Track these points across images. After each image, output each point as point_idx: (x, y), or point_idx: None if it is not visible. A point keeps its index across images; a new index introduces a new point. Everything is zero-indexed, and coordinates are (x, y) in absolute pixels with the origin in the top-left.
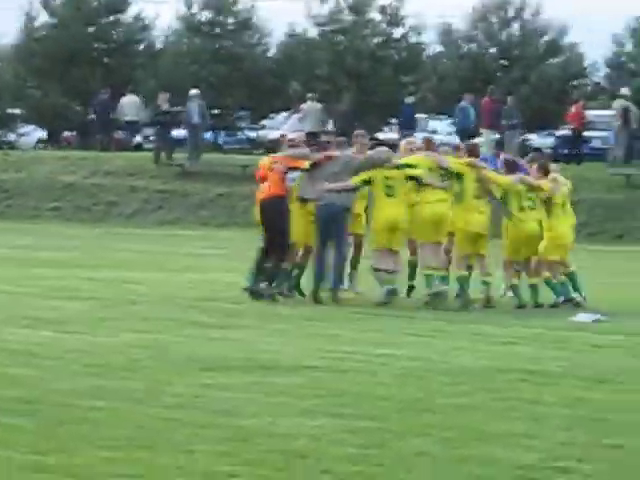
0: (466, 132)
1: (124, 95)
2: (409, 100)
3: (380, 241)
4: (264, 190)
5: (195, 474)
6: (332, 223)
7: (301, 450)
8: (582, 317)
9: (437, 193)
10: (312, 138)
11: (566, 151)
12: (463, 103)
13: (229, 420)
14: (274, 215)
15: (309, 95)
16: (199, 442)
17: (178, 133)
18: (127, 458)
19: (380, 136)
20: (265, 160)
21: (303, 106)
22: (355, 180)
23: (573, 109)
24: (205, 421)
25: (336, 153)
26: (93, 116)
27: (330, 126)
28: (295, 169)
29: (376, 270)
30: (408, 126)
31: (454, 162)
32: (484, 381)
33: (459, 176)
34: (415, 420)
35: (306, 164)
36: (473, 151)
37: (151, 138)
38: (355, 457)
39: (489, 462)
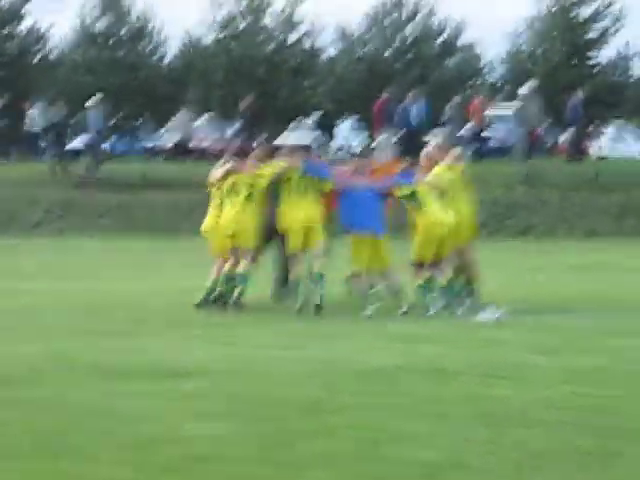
0: (409, 131)
1: (24, 106)
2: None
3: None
4: None
5: None
6: None
7: (204, 454)
8: (484, 316)
9: None
10: None
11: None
12: (404, 103)
13: (131, 427)
14: None
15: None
16: (102, 449)
17: (76, 143)
18: (31, 467)
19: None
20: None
21: None
22: None
23: (475, 102)
24: (108, 428)
25: None
26: None
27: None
28: None
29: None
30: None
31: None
32: (388, 380)
33: None
34: (319, 421)
35: None
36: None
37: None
38: (258, 459)
39: (393, 461)
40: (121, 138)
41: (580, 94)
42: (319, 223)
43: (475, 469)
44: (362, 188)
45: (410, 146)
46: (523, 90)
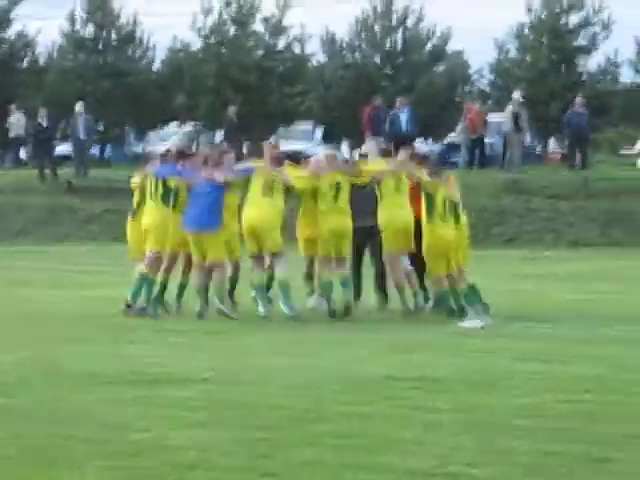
0: (400, 139)
1: (8, 112)
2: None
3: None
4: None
5: None
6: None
7: (191, 462)
8: (469, 323)
9: None
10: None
11: (456, 159)
12: (394, 111)
13: (120, 434)
14: None
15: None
16: (90, 457)
17: (64, 149)
18: (20, 476)
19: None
20: None
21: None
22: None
23: (469, 113)
24: (96, 436)
25: None
26: None
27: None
28: None
29: None
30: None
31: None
32: (378, 389)
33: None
34: (306, 429)
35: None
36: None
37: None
38: (245, 468)
39: (382, 469)
40: (109, 144)
41: (579, 102)
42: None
43: (462, 477)
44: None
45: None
46: (516, 95)
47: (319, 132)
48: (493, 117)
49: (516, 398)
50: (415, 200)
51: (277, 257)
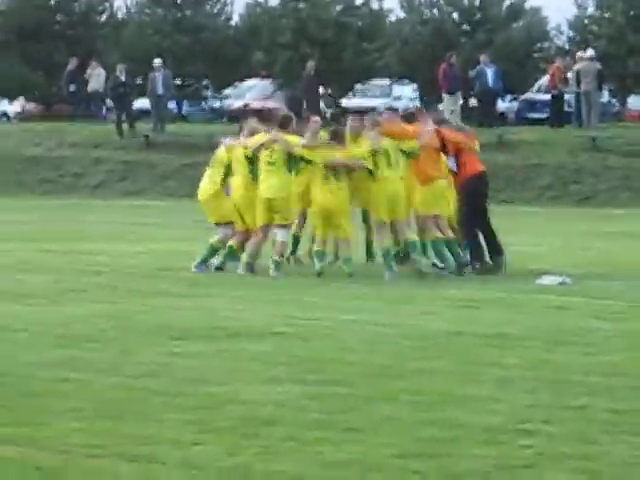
0: (487, 94)
1: (89, 67)
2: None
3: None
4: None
5: (162, 442)
6: None
7: (267, 417)
8: (548, 280)
9: None
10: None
11: (536, 115)
12: (480, 66)
13: (196, 388)
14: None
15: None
16: (166, 411)
17: (142, 103)
18: (94, 429)
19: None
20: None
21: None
22: None
23: (551, 70)
24: (172, 390)
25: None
26: (58, 88)
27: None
28: None
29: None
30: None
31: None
32: (450, 345)
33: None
34: (382, 385)
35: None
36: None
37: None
38: (321, 423)
39: (455, 425)
40: (186, 99)
41: None
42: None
43: (538, 434)
44: None
45: (487, 109)
46: (590, 53)
47: (396, 89)
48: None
49: (591, 356)
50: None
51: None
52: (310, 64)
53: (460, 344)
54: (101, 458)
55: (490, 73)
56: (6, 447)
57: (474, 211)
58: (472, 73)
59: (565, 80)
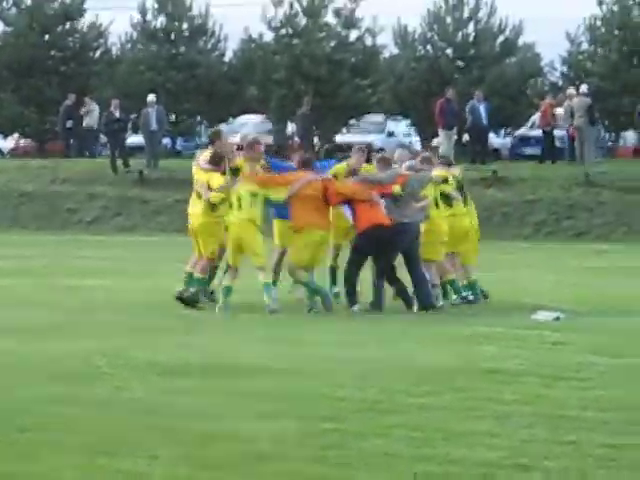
0: (479, 131)
1: (84, 103)
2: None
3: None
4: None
5: (157, 479)
6: (416, 241)
7: (262, 453)
8: (542, 315)
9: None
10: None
11: (530, 151)
12: (473, 102)
13: (190, 424)
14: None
15: None
16: (160, 446)
17: (135, 140)
18: (88, 464)
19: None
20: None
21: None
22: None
23: (542, 107)
24: (166, 425)
25: (407, 173)
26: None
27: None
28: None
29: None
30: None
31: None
32: (447, 381)
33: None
34: (377, 420)
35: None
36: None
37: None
38: (317, 458)
39: (452, 461)
40: (180, 135)
41: None
42: None
43: (535, 470)
44: None
45: (477, 144)
46: (584, 89)
47: (390, 125)
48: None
49: (587, 390)
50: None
51: None
52: (307, 100)
53: (457, 379)
54: None
55: (482, 109)
56: None
57: (356, 264)
58: (467, 108)
59: (553, 117)
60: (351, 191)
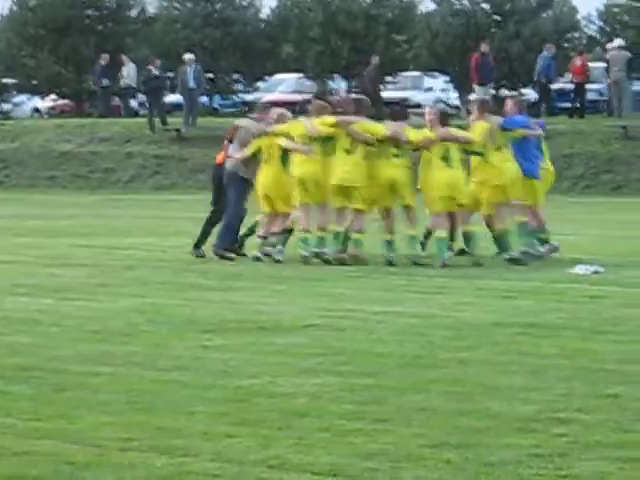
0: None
1: (120, 62)
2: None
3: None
4: None
5: (194, 435)
6: None
7: (300, 409)
8: (581, 269)
9: None
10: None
11: (566, 104)
12: (545, 53)
13: (228, 381)
14: None
15: None
16: (198, 403)
17: (173, 98)
18: (127, 422)
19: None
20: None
21: None
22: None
23: (577, 61)
24: (204, 382)
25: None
26: (89, 83)
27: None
28: None
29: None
30: None
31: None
32: (485, 335)
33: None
34: (415, 376)
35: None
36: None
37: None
38: (355, 414)
39: (489, 415)
40: (218, 93)
41: None
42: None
43: (572, 423)
44: None
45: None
46: (619, 42)
47: (427, 80)
48: (598, 65)
49: (626, 344)
50: None
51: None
52: (375, 58)
53: (494, 334)
54: (133, 451)
55: (553, 64)
56: (38, 441)
57: None
58: (539, 62)
59: (586, 72)
60: None
